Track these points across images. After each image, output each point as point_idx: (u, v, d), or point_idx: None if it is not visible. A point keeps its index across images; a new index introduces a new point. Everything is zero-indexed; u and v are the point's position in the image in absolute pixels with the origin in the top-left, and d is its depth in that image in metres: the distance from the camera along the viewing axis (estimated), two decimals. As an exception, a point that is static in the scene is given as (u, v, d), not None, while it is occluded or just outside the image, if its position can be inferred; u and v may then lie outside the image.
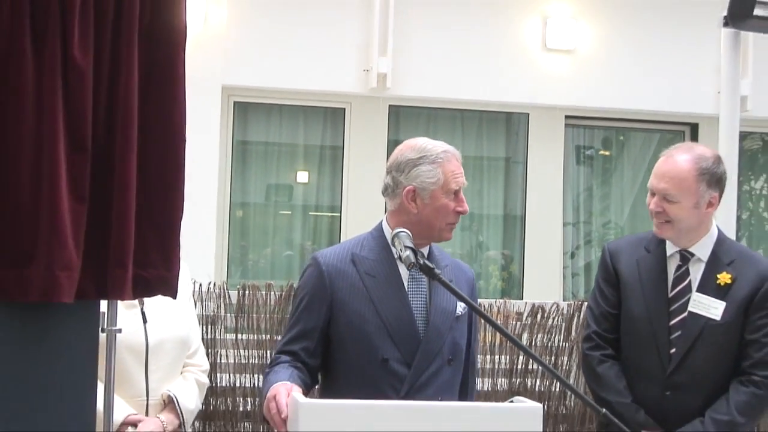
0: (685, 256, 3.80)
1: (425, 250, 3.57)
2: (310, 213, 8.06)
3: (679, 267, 3.80)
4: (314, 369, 3.54)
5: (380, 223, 3.53)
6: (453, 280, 3.53)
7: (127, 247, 2.97)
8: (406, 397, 3.42)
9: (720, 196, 3.77)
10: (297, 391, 3.18)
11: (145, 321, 3.79)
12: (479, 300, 3.86)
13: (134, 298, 3.08)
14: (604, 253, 3.93)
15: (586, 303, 6.24)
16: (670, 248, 3.82)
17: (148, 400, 3.78)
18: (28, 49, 2.89)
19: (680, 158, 3.75)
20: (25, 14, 2.89)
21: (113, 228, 2.96)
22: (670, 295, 3.79)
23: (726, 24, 5.27)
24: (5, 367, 2.93)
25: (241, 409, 5.88)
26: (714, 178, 3.73)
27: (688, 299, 3.76)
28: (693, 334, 3.74)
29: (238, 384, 5.90)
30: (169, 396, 3.84)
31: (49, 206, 2.88)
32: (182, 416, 3.86)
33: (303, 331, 3.52)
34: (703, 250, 3.79)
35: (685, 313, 3.75)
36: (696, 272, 3.78)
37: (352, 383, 3.54)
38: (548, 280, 7.76)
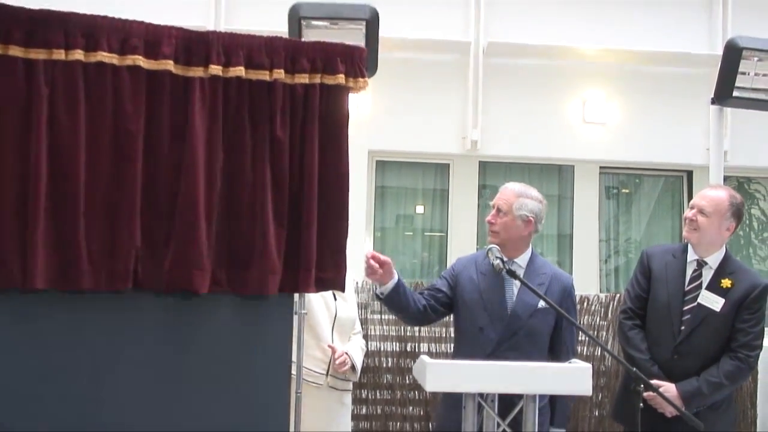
0: (701, 264, 3.73)
1: (524, 260, 3.60)
2: (426, 234, 8.02)
3: (695, 271, 3.74)
4: (430, 306, 3.67)
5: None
6: (545, 283, 3.54)
7: (311, 256, 3.02)
8: (491, 355, 3.46)
9: (736, 228, 3.72)
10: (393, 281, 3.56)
11: (335, 298, 3.89)
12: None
13: (316, 292, 3.12)
14: (643, 255, 3.88)
15: (618, 295, 6.14)
16: (691, 256, 3.75)
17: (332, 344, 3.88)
18: (248, 128, 2.95)
19: (721, 190, 3.73)
20: (245, 105, 2.95)
21: (302, 245, 3.00)
22: (686, 289, 3.72)
23: (713, 102, 5.16)
24: (230, 338, 3.01)
25: (384, 365, 5.87)
26: (738, 212, 3.70)
27: (698, 294, 3.68)
28: (698, 318, 3.66)
29: (382, 349, 5.88)
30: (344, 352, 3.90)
31: (261, 230, 2.93)
32: (355, 366, 3.91)
33: (433, 286, 3.72)
34: (714, 261, 3.72)
35: (695, 304, 3.68)
36: (707, 276, 3.71)
37: (462, 343, 3.64)
38: (589, 278, 7.60)
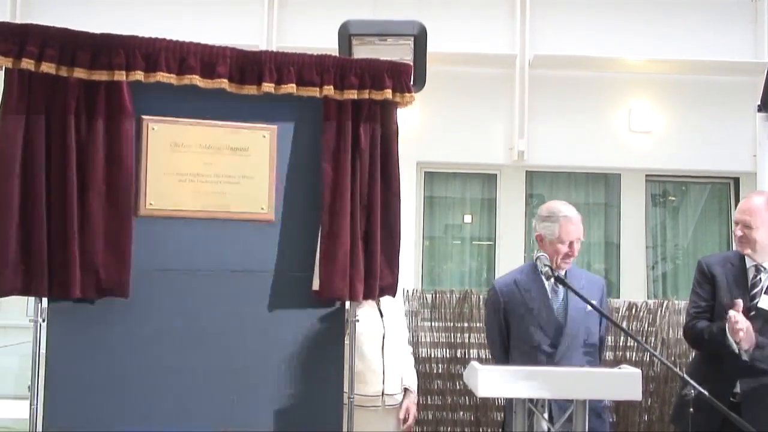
0: (759, 269, 3.63)
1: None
2: (474, 242, 7.98)
3: (754, 276, 3.63)
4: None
5: (534, 254, 3.57)
6: (584, 287, 3.55)
7: (363, 266, 3.02)
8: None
9: None
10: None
11: (381, 315, 3.84)
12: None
13: (368, 299, 3.13)
14: (702, 264, 3.75)
15: (666, 301, 6.04)
16: (749, 262, 3.65)
17: (383, 368, 3.81)
18: (348, 148, 3.01)
19: (755, 198, 3.64)
20: (347, 134, 2.99)
21: (356, 255, 3.02)
22: (751, 294, 3.62)
23: (759, 110, 5.03)
24: (305, 340, 3.06)
25: (434, 372, 5.86)
26: None
27: (759, 300, 3.60)
28: (762, 323, 3.56)
29: (431, 355, 5.88)
30: (406, 388, 3.88)
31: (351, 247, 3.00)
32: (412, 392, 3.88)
33: (498, 333, 3.65)
34: None
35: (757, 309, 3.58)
36: (766, 280, 3.59)
37: (520, 360, 3.56)
38: (637, 285, 7.50)
